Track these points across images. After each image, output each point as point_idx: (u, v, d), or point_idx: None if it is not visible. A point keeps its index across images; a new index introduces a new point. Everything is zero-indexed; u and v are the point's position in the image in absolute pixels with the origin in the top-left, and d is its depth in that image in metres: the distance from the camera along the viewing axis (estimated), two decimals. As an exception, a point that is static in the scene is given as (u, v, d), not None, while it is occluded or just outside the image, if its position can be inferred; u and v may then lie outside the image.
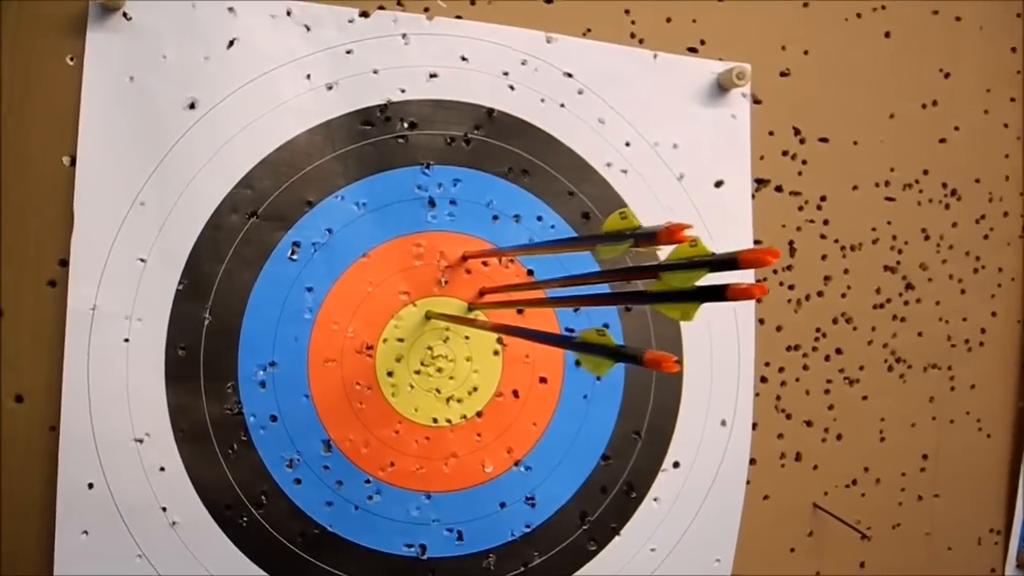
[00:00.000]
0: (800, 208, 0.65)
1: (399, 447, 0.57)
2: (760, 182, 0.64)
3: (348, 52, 0.56)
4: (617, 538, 0.60)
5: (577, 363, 0.36)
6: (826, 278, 0.66)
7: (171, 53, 0.52)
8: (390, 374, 0.57)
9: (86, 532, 0.50)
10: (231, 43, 0.53)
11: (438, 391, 0.58)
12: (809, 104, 0.65)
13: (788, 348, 0.65)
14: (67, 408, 0.50)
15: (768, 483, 0.65)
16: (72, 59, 0.51)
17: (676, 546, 0.61)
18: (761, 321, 0.64)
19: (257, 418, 0.54)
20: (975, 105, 0.69)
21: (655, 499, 0.61)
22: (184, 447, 0.52)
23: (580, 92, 0.60)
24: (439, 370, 0.58)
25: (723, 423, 0.62)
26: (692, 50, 0.62)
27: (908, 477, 0.69)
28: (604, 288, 0.46)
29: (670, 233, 0.32)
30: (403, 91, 0.57)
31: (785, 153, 0.65)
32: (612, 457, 0.60)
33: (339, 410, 0.56)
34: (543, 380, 0.60)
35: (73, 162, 0.51)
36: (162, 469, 0.52)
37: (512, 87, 0.59)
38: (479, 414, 0.59)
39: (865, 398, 0.67)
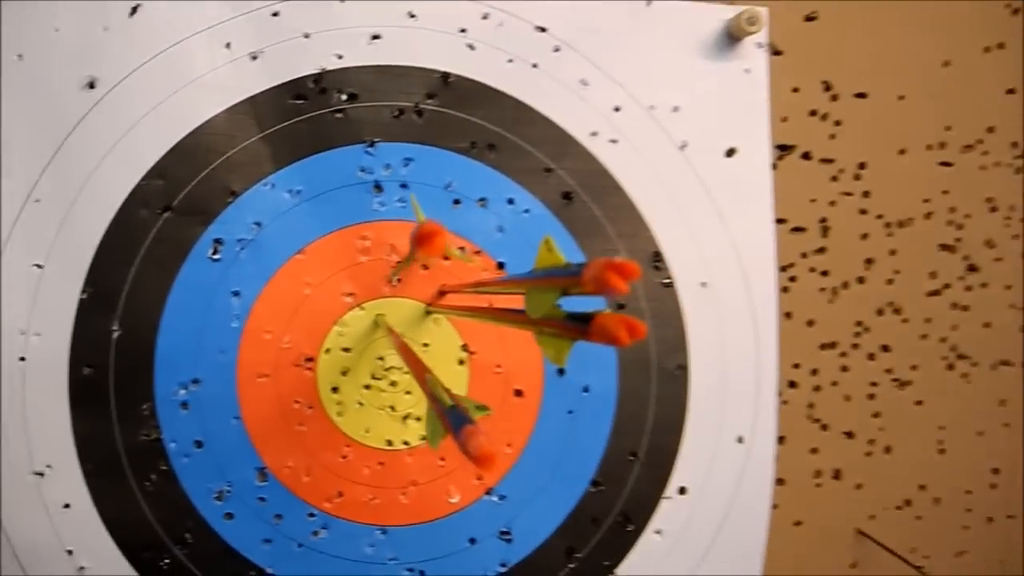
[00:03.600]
0: (834, 178, 0.61)
1: (348, 475, 0.55)
2: (783, 149, 0.60)
3: (274, 15, 0.53)
4: (611, 578, 0.57)
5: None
6: (868, 261, 0.61)
7: (65, 25, 0.50)
8: (335, 390, 0.55)
9: (-18, 582, 0.50)
10: (134, 10, 0.51)
11: (392, 409, 0.55)
12: (842, 53, 0.60)
13: (822, 346, 0.61)
14: (-46, 438, 0.49)
15: (800, 507, 0.61)
16: (-49, 37, 0.50)
17: (684, 586, 0.58)
18: (788, 315, 0.60)
19: (179, 444, 0.52)
20: (1055, 44, 0.63)
21: (657, 531, 0.57)
22: (93, 480, 0.51)
23: (556, 49, 0.56)
24: (393, 384, 0.55)
25: (740, 440, 0.58)
26: (694, -8, 0.58)
27: (975, 495, 0.64)
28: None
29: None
30: (340, 57, 0.54)
31: (814, 113, 0.60)
32: (604, 483, 0.57)
33: (275, 433, 0.54)
34: (518, 393, 0.57)
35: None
36: (67, 506, 0.50)
37: (471, 46, 0.55)
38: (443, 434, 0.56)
39: (919, 403, 0.62)
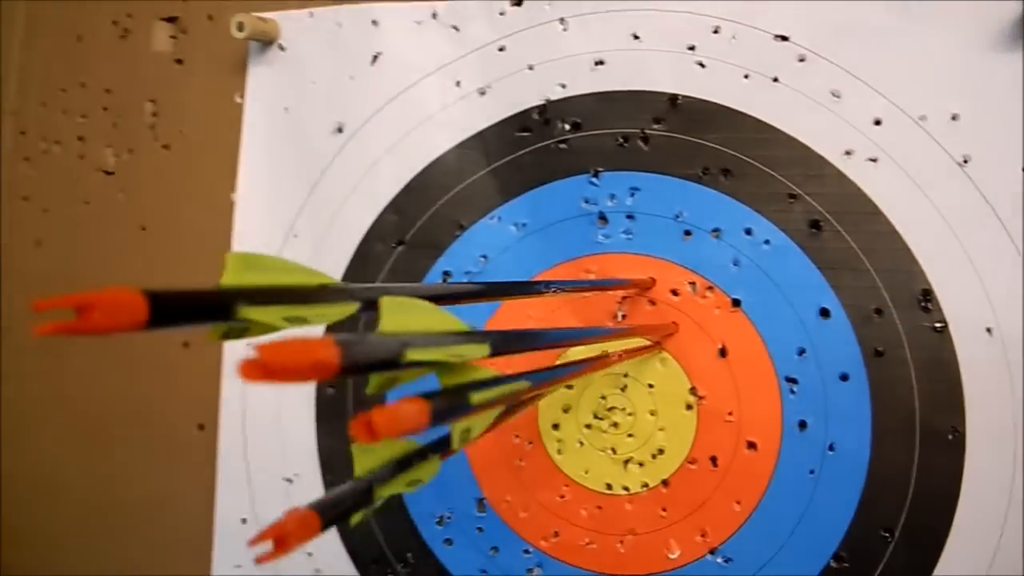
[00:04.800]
0: None
1: (565, 515, 0.55)
2: (1112, 159, 0.48)
3: (501, 49, 0.55)
4: (857, 673, 0.50)
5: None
6: None
7: (319, 77, 0.57)
8: (555, 427, 0.55)
9: (239, 567, 0.58)
10: (375, 58, 0.57)
11: (614, 451, 0.54)
12: None
13: None
14: (224, 441, 0.58)
15: None
16: (240, 97, 0.59)
17: None
18: (1120, 374, 0.48)
19: (406, 467, 0.56)
20: None
21: (918, 626, 0.49)
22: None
23: (802, 59, 0.51)
24: (615, 425, 0.54)
25: (1035, 526, 0.47)
26: (981, -24, 0.49)
27: None
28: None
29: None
30: (563, 86, 0.54)
31: None
32: (848, 560, 0.50)
33: (495, 466, 0.56)
34: (752, 446, 0.52)
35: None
36: (309, 513, 0.57)
37: (702, 64, 0.52)
38: (665, 483, 0.53)
39: None
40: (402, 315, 0.22)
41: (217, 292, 0.18)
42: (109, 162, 0.63)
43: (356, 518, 0.23)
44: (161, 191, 0.61)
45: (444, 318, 0.23)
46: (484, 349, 0.24)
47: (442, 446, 0.26)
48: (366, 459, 0.23)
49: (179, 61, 0.62)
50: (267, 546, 0.18)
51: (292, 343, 0.16)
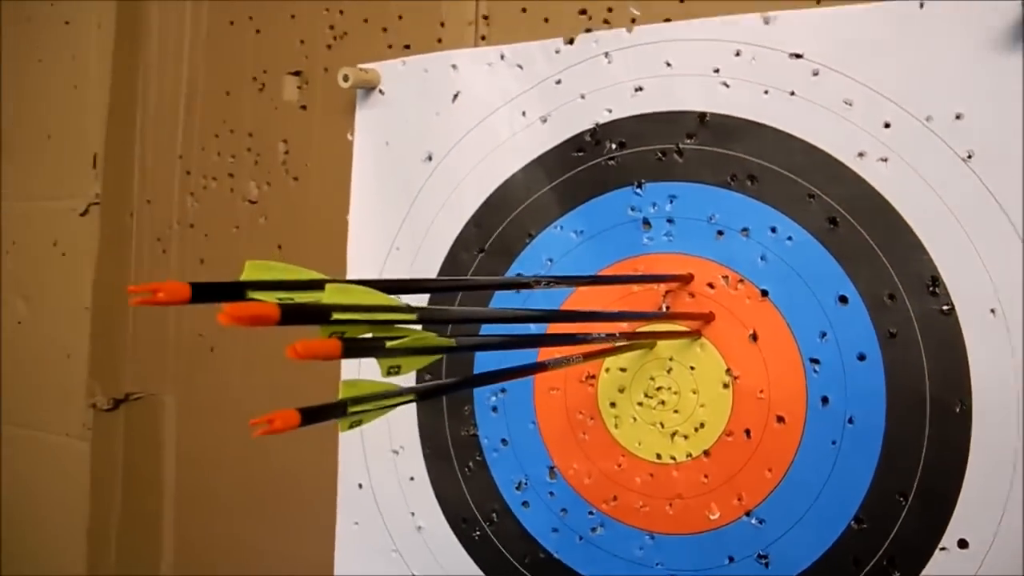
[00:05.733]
0: None
1: (622, 481, 0.63)
2: (1110, 149, 0.51)
3: (557, 82, 0.64)
4: (875, 623, 0.55)
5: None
6: None
7: (412, 115, 0.69)
8: (613, 405, 0.63)
9: (357, 523, 0.70)
10: (455, 96, 0.67)
11: (662, 425, 0.62)
12: None
13: None
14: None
15: None
16: (351, 135, 0.72)
17: (965, 651, 0.53)
18: (1125, 350, 0.51)
19: (490, 441, 0.67)
20: None
21: (930, 583, 0.54)
22: (430, 461, 0.68)
23: (815, 73, 0.57)
24: (662, 403, 0.62)
25: (1038, 492, 0.51)
26: (978, -14, 0.53)
27: None
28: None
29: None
30: (610, 111, 0.63)
31: None
32: (867, 521, 0.55)
33: (563, 438, 0.65)
34: (780, 420, 0.58)
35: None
36: (412, 479, 0.68)
37: (726, 84, 0.59)
38: (706, 453, 0.60)
39: None
40: (342, 294, 0.31)
41: (233, 283, 0.29)
42: (253, 193, 0.78)
43: (344, 426, 0.33)
44: (292, 215, 0.75)
45: (380, 297, 0.33)
46: (412, 316, 0.34)
47: (418, 389, 0.37)
48: (349, 390, 0.33)
49: (303, 107, 0.75)
50: (264, 425, 0.29)
51: (247, 304, 0.26)
